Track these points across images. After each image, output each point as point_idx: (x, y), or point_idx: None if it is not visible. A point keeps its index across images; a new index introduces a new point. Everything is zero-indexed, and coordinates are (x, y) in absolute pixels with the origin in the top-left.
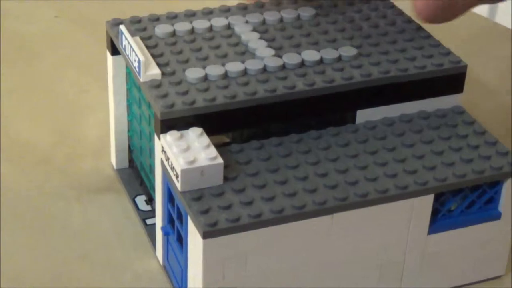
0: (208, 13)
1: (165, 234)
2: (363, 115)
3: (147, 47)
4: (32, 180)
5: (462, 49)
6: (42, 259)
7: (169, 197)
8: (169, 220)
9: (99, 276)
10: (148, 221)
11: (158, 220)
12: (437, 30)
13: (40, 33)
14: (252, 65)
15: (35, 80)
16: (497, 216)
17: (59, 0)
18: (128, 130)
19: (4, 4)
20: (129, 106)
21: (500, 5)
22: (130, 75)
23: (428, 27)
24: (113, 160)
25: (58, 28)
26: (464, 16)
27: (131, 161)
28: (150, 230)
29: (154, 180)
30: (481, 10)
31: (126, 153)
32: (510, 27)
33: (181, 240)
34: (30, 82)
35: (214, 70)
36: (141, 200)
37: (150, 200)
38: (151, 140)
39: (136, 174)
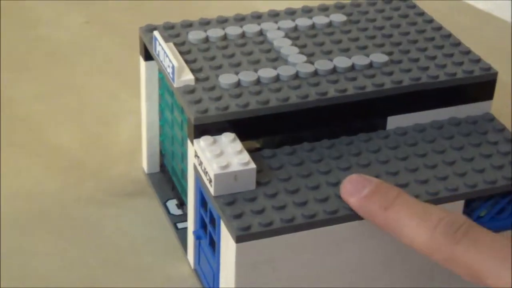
0: (240, 19)
1: (197, 238)
2: (394, 122)
3: (181, 53)
4: (65, 186)
5: (491, 56)
6: (75, 263)
7: (202, 201)
8: (201, 224)
9: (130, 280)
10: (179, 225)
11: (190, 224)
12: (467, 37)
13: (71, 38)
14: (285, 71)
15: (67, 85)
16: None
17: (88, 5)
18: (160, 135)
19: (35, 10)
20: (161, 112)
21: None
22: (163, 80)
23: (458, 34)
24: (145, 164)
25: (88, 33)
26: (493, 23)
27: (162, 165)
28: (181, 234)
29: (186, 185)
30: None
31: (158, 157)
32: None
33: (213, 244)
34: (62, 87)
35: (247, 76)
36: (172, 204)
37: (181, 205)
38: (183, 145)
39: (167, 179)
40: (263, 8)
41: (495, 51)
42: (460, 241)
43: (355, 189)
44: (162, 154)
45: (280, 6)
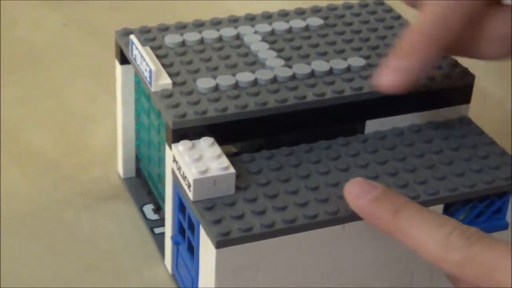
0: (217, 23)
1: (175, 243)
2: (373, 125)
3: (157, 57)
4: (41, 188)
5: (469, 60)
6: (50, 267)
7: (180, 206)
8: (180, 230)
9: (106, 284)
10: (156, 230)
11: (168, 229)
12: None
13: (48, 41)
14: (262, 75)
15: (44, 88)
16: (505, 227)
17: (67, 8)
18: (136, 140)
19: (12, 12)
20: (137, 116)
21: None
22: (139, 84)
23: None
24: (120, 169)
25: (66, 36)
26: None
27: (138, 170)
28: (158, 239)
29: (162, 190)
30: None
31: (134, 162)
32: None
33: (192, 249)
34: (39, 90)
35: (225, 80)
36: (148, 209)
37: (158, 209)
38: (160, 149)
39: (143, 183)
40: (240, 11)
41: None
42: (475, 243)
43: (361, 191)
44: (138, 159)
45: (256, 10)
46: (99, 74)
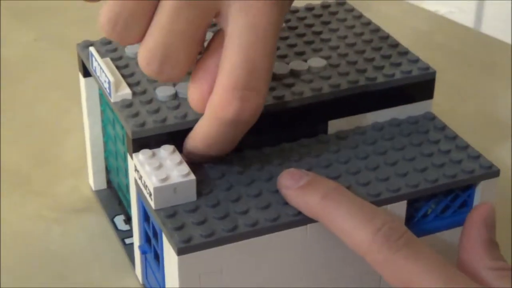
0: None
1: (143, 252)
2: (335, 126)
3: (118, 67)
4: (11, 202)
5: (442, 57)
6: (22, 280)
7: (145, 215)
8: (146, 239)
9: None
10: (127, 241)
11: (136, 239)
12: (419, 40)
13: (20, 56)
14: None
15: (15, 103)
16: None
17: (37, 23)
18: (105, 151)
19: None
20: (104, 127)
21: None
22: (103, 96)
23: (408, 37)
24: (91, 181)
25: (38, 51)
26: (440, 23)
27: (108, 181)
28: (129, 249)
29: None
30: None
31: (104, 174)
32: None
33: (158, 258)
34: (10, 105)
35: (184, 88)
36: (119, 220)
37: (129, 220)
38: (126, 160)
39: (114, 195)
40: None
41: (450, 54)
42: (401, 249)
43: (292, 181)
44: (108, 170)
45: None
46: (70, 87)
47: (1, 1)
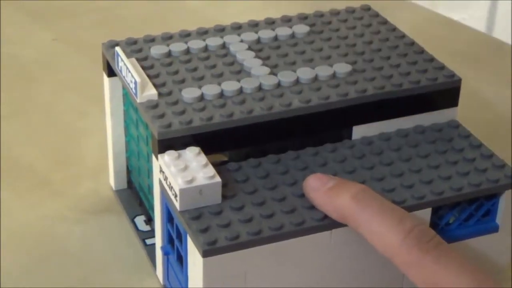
0: (203, 33)
1: (165, 253)
2: (359, 131)
3: (143, 68)
4: (32, 204)
5: (457, 63)
6: (42, 282)
7: (168, 216)
8: (169, 240)
9: None
10: (148, 241)
11: (158, 240)
12: (432, 45)
13: (38, 57)
14: (248, 83)
15: (34, 104)
16: (495, 229)
17: (56, 23)
18: (126, 151)
19: (2, 29)
20: (126, 127)
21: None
22: (127, 96)
23: (422, 41)
24: (112, 181)
25: (56, 51)
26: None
27: (129, 182)
28: (150, 250)
29: (153, 201)
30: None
31: (125, 174)
32: (508, 42)
33: (181, 259)
34: (29, 106)
35: (210, 90)
36: (140, 220)
37: (149, 220)
38: (149, 160)
39: (134, 195)
40: (226, 21)
41: (465, 60)
42: (431, 251)
43: (319, 184)
44: (129, 171)
45: (243, 19)
46: (89, 88)
47: (20, 2)
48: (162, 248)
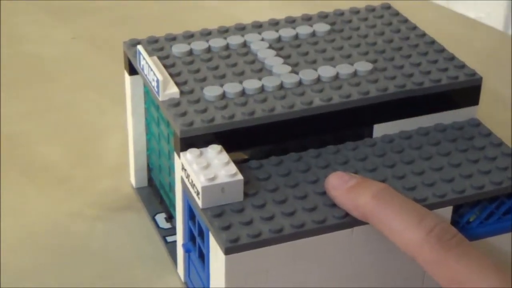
0: (224, 31)
1: (187, 251)
2: (380, 129)
3: (165, 66)
4: (53, 201)
5: (477, 61)
6: (63, 278)
7: (190, 214)
8: (190, 237)
9: None
10: (169, 239)
11: (179, 237)
12: (449, 43)
13: (58, 55)
14: (269, 82)
15: (54, 102)
16: None
17: (75, 21)
18: (147, 149)
19: (21, 27)
20: (147, 125)
21: None
22: (148, 94)
23: (442, 40)
24: (132, 179)
25: (75, 49)
26: (477, 30)
27: (150, 179)
28: (171, 247)
29: (173, 198)
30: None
31: (145, 172)
32: None
33: (203, 257)
34: (49, 104)
35: (232, 88)
36: (161, 218)
37: (170, 218)
38: (170, 158)
39: (155, 193)
40: (247, 19)
41: (483, 58)
42: (453, 249)
43: (340, 182)
44: (149, 168)
45: (263, 17)
46: (108, 86)
47: (39, 1)
48: (184, 245)
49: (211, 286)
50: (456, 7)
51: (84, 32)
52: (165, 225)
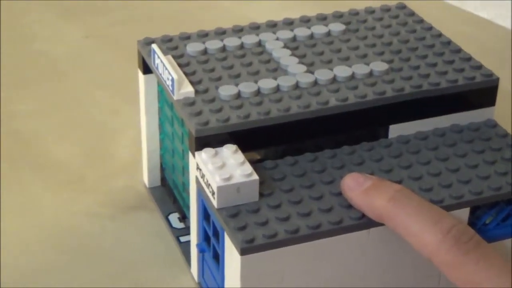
0: (238, 30)
1: (201, 251)
2: (396, 130)
3: (179, 65)
4: (65, 200)
5: (487, 61)
6: (76, 278)
7: (205, 214)
8: (205, 237)
9: None
10: (182, 239)
11: (193, 237)
12: (461, 43)
13: (70, 53)
14: (285, 81)
15: (66, 100)
16: None
17: (87, 20)
18: (160, 149)
19: (34, 26)
20: (161, 125)
21: None
22: (162, 93)
23: (454, 40)
24: (145, 178)
25: (87, 48)
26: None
27: (163, 179)
28: (184, 247)
29: (187, 198)
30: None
31: (158, 171)
32: None
33: (217, 257)
34: (61, 102)
35: (247, 87)
36: (174, 217)
37: (183, 218)
38: (184, 158)
39: (168, 192)
40: (261, 19)
41: (497, 58)
42: (471, 252)
43: (356, 183)
44: (162, 168)
45: (277, 17)
46: (120, 85)
47: (51, 1)
48: (198, 245)
49: (225, 286)
50: (468, 6)
51: (97, 31)
52: (178, 225)
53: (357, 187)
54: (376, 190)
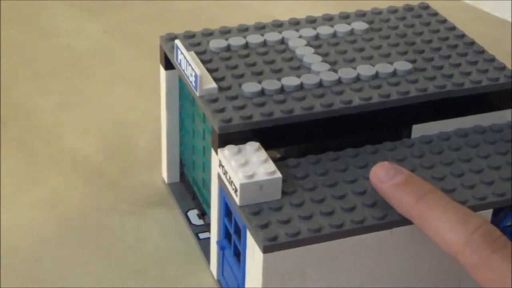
0: (261, 27)
1: (221, 248)
2: (419, 130)
3: (202, 61)
4: (85, 195)
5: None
6: (95, 273)
7: (226, 211)
8: (226, 235)
9: None
10: (201, 235)
11: (213, 234)
12: (490, 45)
13: (90, 48)
14: (308, 79)
15: (86, 96)
16: None
17: (108, 15)
18: (180, 145)
19: (55, 20)
20: (181, 121)
21: None
22: (184, 89)
23: (481, 41)
24: (165, 174)
25: (108, 43)
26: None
27: (182, 175)
28: (204, 244)
29: (207, 195)
30: None
31: (178, 167)
32: None
33: (238, 255)
34: (82, 98)
35: (271, 85)
36: (193, 214)
37: (203, 215)
38: (204, 155)
39: (187, 189)
40: (283, 16)
41: None
42: (498, 251)
43: (386, 175)
44: (182, 164)
45: (300, 14)
46: (140, 80)
47: None
48: (218, 242)
49: (246, 285)
50: (486, 7)
51: (117, 26)
52: (197, 221)
53: (387, 180)
54: (406, 187)
